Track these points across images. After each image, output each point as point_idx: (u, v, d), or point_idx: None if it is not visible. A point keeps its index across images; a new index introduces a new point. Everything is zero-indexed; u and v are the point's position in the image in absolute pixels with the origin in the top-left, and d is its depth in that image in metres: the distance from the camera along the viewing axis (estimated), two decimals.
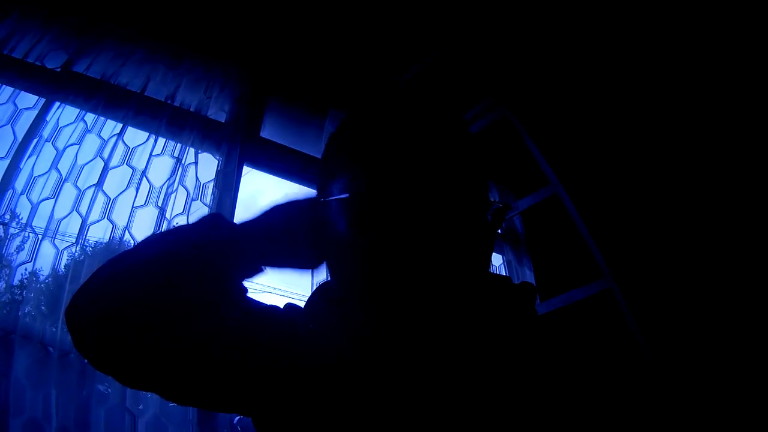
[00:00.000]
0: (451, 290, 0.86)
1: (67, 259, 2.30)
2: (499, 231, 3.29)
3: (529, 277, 3.13)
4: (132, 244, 2.42)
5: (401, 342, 0.89)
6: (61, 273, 2.30)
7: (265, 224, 0.98)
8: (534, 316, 0.99)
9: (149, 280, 0.86)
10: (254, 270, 0.98)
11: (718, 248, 2.53)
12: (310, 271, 1.02)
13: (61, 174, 2.45)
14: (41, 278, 2.32)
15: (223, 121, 2.91)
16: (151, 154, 2.63)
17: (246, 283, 0.99)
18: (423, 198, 0.84)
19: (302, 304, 1.04)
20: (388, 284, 0.85)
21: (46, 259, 2.27)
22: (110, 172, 2.54)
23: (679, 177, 2.72)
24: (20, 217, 2.32)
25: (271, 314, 0.99)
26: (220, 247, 0.93)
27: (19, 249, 2.26)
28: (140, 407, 2.14)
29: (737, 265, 2.46)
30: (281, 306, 1.03)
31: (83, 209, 2.40)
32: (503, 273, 3.18)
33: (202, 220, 0.98)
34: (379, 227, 0.85)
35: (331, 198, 0.92)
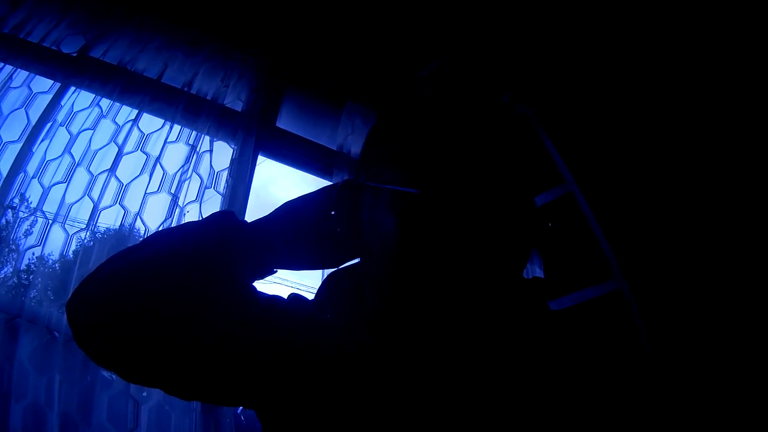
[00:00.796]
0: (489, 290, 0.85)
1: (77, 245, 2.29)
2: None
3: (539, 275, 3.11)
4: (143, 232, 2.41)
5: (422, 335, 0.87)
6: (69, 258, 2.29)
7: (279, 225, 0.97)
8: (546, 311, 0.98)
9: (156, 279, 0.85)
10: (266, 271, 0.97)
11: (733, 255, 2.50)
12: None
13: (74, 158, 2.44)
14: (49, 263, 2.31)
15: (239, 110, 2.88)
16: (165, 141, 2.62)
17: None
18: (484, 197, 0.82)
19: (308, 296, 1.02)
20: (427, 277, 0.83)
21: (56, 243, 2.26)
22: (124, 157, 2.53)
23: (694, 180, 2.69)
24: (30, 201, 2.32)
25: (278, 306, 0.97)
26: (231, 247, 0.92)
27: (28, 233, 2.25)
28: (144, 394, 2.14)
29: (750, 273, 2.43)
30: (285, 297, 1.00)
31: (95, 194, 2.40)
32: None
33: (213, 218, 0.96)
34: (440, 224, 0.82)
35: (393, 187, 0.87)
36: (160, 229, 2.41)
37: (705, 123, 2.70)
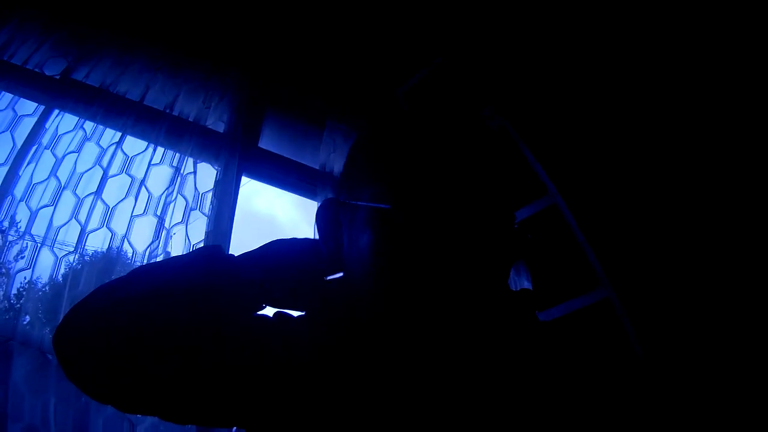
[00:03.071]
0: (473, 303, 0.85)
1: (66, 268, 2.30)
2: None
3: (528, 287, 3.13)
4: (130, 254, 2.42)
5: (409, 349, 0.88)
6: (59, 281, 2.29)
7: (267, 263, 0.97)
8: (534, 322, 0.99)
9: (143, 317, 0.85)
10: (254, 308, 0.97)
11: (717, 256, 2.54)
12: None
13: (60, 181, 2.44)
14: (39, 286, 2.31)
15: (221, 131, 2.92)
16: (150, 163, 2.64)
17: None
18: (460, 211, 0.84)
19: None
20: (412, 290, 0.84)
21: (45, 266, 2.27)
22: (109, 180, 2.53)
23: (676, 187, 2.74)
24: (19, 225, 2.32)
25: (267, 326, 0.97)
26: (219, 285, 0.91)
27: (18, 257, 2.26)
28: (139, 415, 2.13)
29: (736, 273, 2.47)
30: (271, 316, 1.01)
31: (82, 217, 2.40)
32: None
33: (200, 253, 0.98)
34: (416, 239, 0.84)
35: (367, 204, 0.90)
36: (145, 260, 2.42)
37: (687, 131, 2.74)
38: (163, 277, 0.93)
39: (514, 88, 3.11)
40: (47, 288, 2.34)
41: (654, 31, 2.80)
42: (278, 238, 1.05)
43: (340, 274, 1.01)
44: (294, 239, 1.03)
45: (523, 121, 2.97)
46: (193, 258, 0.97)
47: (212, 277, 0.91)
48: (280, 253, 1.00)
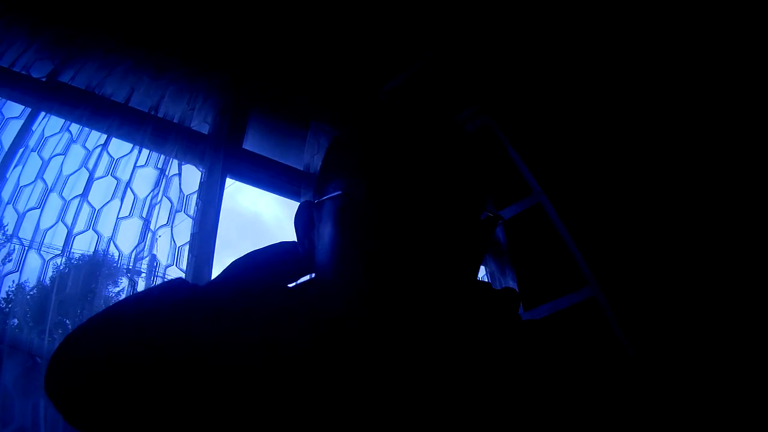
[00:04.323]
0: (439, 295, 0.86)
1: (53, 271, 2.33)
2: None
3: (513, 287, 3.15)
4: (117, 257, 2.45)
5: (384, 340, 0.87)
6: (47, 284, 2.32)
7: (231, 288, 0.95)
8: (518, 321, 0.98)
9: (121, 359, 0.84)
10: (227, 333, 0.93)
11: (703, 255, 2.57)
12: None
13: (47, 184, 2.46)
14: (27, 289, 2.33)
15: (206, 132, 2.94)
16: (135, 165, 2.66)
17: None
18: (422, 204, 0.85)
19: None
20: (383, 285, 0.84)
21: (33, 269, 2.29)
22: (95, 182, 2.55)
23: (661, 186, 2.77)
24: (6, 228, 2.34)
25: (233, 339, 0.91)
26: (187, 319, 0.89)
27: (6, 260, 2.27)
28: None
29: (721, 271, 2.51)
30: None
31: (69, 219, 2.42)
32: None
33: (164, 290, 0.97)
34: (379, 230, 0.85)
35: (327, 197, 0.93)
36: (131, 262, 2.45)
37: (673, 129, 2.77)
38: (133, 323, 0.90)
39: (499, 87, 3.14)
40: (35, 291, 2.36)
41: (638, 31, 2.83)
42: (251, 250, 1.02)
43: (309, 277, 1.02)
44: (261, 250, 1.02)
45: (508, 120, 3.00)
46: (158, 294, 0.96)
47: (179, 307, 0.91)
48: (243, 270, 0.98)
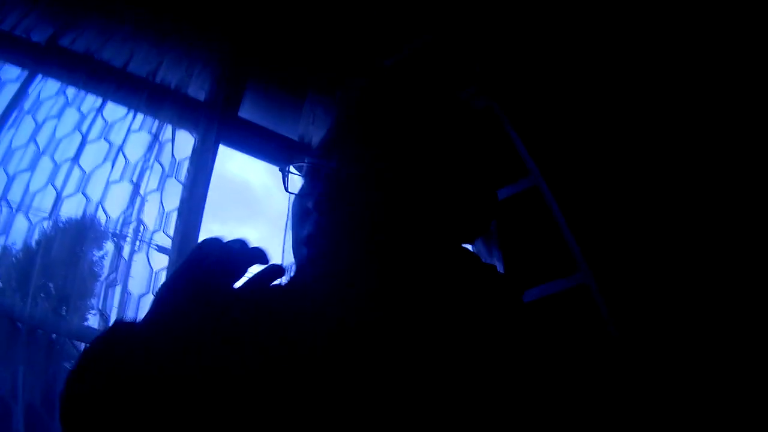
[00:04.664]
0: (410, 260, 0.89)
1: (39, 235, 2.34)
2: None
3: (499, 269, 3.13)
4: (104, 221, 2.49)
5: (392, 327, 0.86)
6: (32, 247, 2.35)
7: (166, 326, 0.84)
8: (521, 306, 0.98)
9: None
10: None
11: (699, 249, 2.54)
12: None
13: (38, 147, 2.49)
14: (13, 252, 2.36)
15: (202, 99, 2.97)
16: (129, 130, 2.68)
17: None
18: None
19: None
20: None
21: (20, 232, 2.31)
22: (87, 146, 2.58)
23: (661, 177, 2.74)
24: None
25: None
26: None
27: None
28: None
29: (715, 265, 2.49)
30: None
31: (59, 183, 2.45)
32: None
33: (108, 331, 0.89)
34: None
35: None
36: (119, 227, 2.49)
37: (672, 117, 2.73)
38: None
39: (500, 69, 3.11)
40: (20, 254, 2.39)
41: (646, 21, 2.79)
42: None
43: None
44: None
45: (509, 102, 2.98)
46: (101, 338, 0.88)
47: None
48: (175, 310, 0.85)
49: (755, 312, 2.32)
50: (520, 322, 0.92)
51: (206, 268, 0.83)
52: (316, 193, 0.93)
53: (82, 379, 0.83)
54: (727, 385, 2.25)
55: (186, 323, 0.80)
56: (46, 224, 2.37)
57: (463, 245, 1.01)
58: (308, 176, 1.00)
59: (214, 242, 0.88)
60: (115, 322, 0.91)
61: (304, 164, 1.01)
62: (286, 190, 1.02)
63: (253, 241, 0.84)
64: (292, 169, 1.02)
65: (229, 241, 0.87)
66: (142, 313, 2.31)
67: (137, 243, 2.49)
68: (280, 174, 1.01)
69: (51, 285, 2.30)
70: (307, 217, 0.94)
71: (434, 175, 0.92)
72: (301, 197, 0.99)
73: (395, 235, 0.89)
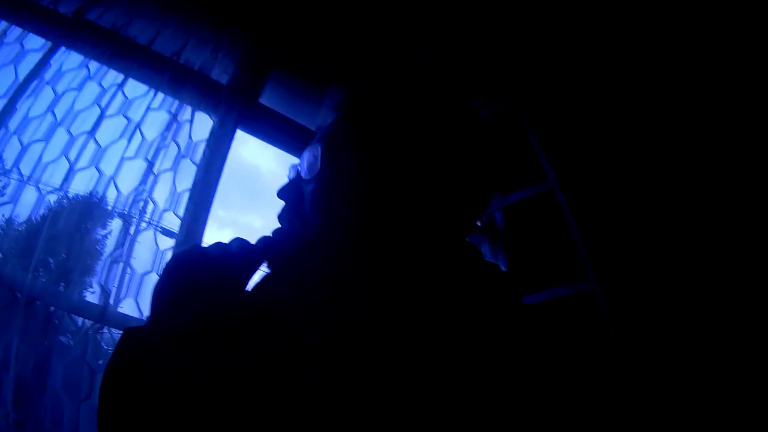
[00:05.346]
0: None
1: (45, 209, 2.33)
2: (478, 223, 3.31)
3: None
4: (113, 198, 2.49)
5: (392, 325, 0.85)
6: (38, 220, 2.34)
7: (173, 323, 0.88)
8: (519, 305, 0.96)
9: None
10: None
11: (709, 262, 2.51)
12: None
13: (56, 118, 2.50)
14: (17, 222, 2.36)
15: (224, 83, 2.96)
16: (148, 108, 2.69)
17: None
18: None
19: None
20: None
21: (28, 203, 2.30)
22: (105, 120, 2.58)
23: (675, 191, 2.71)
24: (5, 160, 2.37)
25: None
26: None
27: (2, 191, 2.31)
28: (100, 362, 2.14)
29: (726, 275, 2.46)
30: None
31: (72, 155, 2.45)
32: None
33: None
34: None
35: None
36: (129, 204, 2.49)
37: (692, 135, 2.72)
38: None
39: (528, 71, 3.09)
40: (24, 226, 2.38)
41: (667, 30, 2.75)
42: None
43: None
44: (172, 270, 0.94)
45: (532, 106, 2.96)
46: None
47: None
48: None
49: (761, 327, 2.30)
50: (516, 321, 0.92)
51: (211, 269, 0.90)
52: (310, 188, 0.97)
53: (115, 394, 0.84)
54: (728, 394, 2.23)
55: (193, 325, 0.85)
56: (54, 197, 2.37)
57: (462, 239, 1.02)
58: (307, 165, 1.02)
59: (212, 248, 0.94)
60: (125, 331, 0.91)
61: (307, 153, 1.04)
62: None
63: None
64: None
65: (229, 242, 0.93)
66: (145, 291, 2.33)
67: (144, 222, 2.49)
68: (287, 162, 1.06)
69: (51, 260, 2.29)
70: (304, 200, 0.98)
71: (423, 167, 0.94)
72: (298, 181, 1.02)
73: (387, 228, 0.91)
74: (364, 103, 1.03)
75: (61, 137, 2.48)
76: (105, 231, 2.53)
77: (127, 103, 2.67)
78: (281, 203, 1.03)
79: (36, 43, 2.62)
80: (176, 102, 2.76)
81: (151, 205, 2.53)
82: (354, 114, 1.03)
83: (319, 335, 0.86)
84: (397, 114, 0.98)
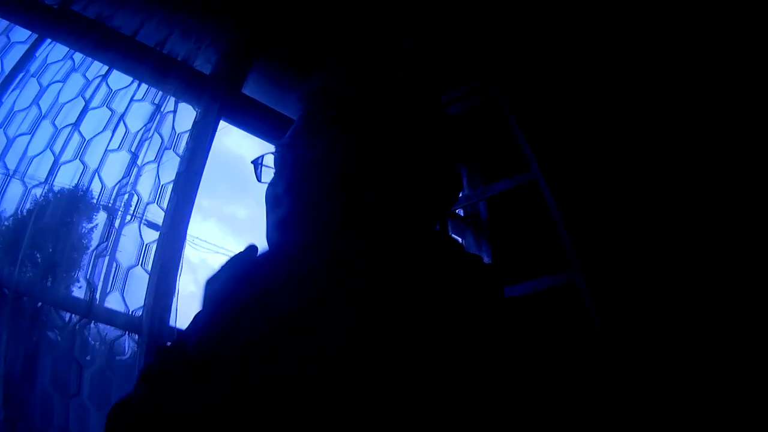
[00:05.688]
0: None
1: (32, 202, 2.35)
2: (461, 213, 3.36)
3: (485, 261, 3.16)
4: (98, 191, 2.52)
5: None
6: (24, 213, 2.35)
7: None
8: (502, 297, 0.96)
9: None
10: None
11: (697, 258, 2.56)
12: None
13: (41, 110, 2.51)
14: (4, 217, 2.37)
15: (207, 73, 2.98)
16: (132, 99, 2.71)
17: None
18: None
19: None
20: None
21: (13, 197, 2.32)
22: (89, 112, 2.60)
23: (662, 184, 2.75)
24: None
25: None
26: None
27: None
28: (87, 358, 2.18)
29: (712, 271, 2.51)
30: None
31: (57, 148, 2.47)
32: None
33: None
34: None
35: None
36: (113, 197, 2.52)
37: (673, 125, 2.75)
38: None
39: (509, 62, 3.11)
40: (11, 220, 2.38)
41: (648, 19, 2.78)
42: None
43: None
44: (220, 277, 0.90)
45: (515, 99, 2.99)
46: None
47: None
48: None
49: (747, 320, 2.35)
50: (499, 313, 0.92)
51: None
52: (285, 179, 0.99)
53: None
54: (713, 384, 2.29)
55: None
56: (40, 191, 2.38)
57: (436, 231, 1.05)
58: (277, 164, 1.04)
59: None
60: (156, 349, 0.91)
61: (274, 153, 1.05)
62: (259, 180, 1.07)
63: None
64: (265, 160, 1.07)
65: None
66: (130, 285, 2.36)
67: (129, 215, 2.53)
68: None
69: (38, 255, 2.32)
70: (279, 203, 0.99)
71: (392, 151, 0.96)
72: (272, 185, 1.03)
73: (362, 213, 0.93)
74: (330, 92, 1.04)
75: (46, 130, 2.50)
76: (91, 224, 2.55)
77: (111, 94, 2.68)
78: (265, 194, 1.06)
79: (22, 35, 2.62)
80: (160, 93, 2.78)
81: (135, 198, 2.55)
82: (320, 104, 1.04)
83: (316, 342, 0.81)
84: (366, 102, 1.00)
